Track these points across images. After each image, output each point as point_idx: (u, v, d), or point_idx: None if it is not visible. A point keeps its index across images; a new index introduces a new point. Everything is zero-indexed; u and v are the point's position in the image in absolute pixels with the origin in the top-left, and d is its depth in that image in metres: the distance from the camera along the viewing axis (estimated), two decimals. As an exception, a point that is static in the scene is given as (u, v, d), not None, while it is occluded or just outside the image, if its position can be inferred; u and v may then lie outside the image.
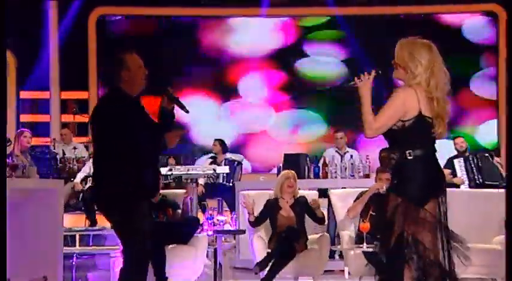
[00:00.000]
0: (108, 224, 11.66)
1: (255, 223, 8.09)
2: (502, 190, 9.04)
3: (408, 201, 4.72)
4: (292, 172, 8.54)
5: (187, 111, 5.40)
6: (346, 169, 10.18)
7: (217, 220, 8.34)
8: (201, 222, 8.52)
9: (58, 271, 7.43)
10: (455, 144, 11.47)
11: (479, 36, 15.58)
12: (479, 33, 15.60)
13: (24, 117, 14.21)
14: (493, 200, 8.66)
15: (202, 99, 15.11)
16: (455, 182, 10.97)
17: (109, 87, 5.47)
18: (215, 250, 8.39)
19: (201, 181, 11.53)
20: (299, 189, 8.49)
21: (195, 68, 15.15)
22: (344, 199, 8.48)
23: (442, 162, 5.99)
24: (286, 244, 7.84)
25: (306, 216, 8.25)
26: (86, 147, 13.14)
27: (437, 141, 4.88)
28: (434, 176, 4.84)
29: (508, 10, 15.06)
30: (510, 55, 3.06)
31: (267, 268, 7.71)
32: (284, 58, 15.50)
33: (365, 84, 4.79)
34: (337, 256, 9.29)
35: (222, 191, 11.56)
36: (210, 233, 8.16)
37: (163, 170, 11.83)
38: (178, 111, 5.53)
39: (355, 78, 4.86)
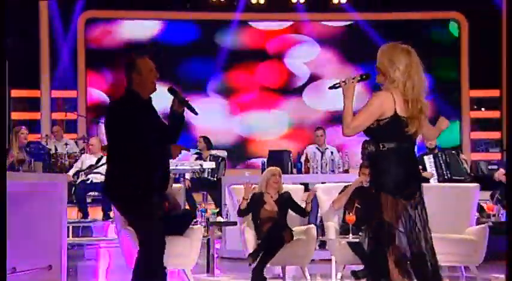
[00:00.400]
0: (99, 217, 11.74)
1: (243, 212, 8.11)
2: (470, 185, 9.24)
3: (385, 192, 4.82)
4: (278, 169, 8.57)
5: (196, 114, 5.41)
6: (326, 164, 10.28)
7: (211, 212, 8.37)
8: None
9: (62, 260, 7.37)
10: (426, 141, 11.59)
11: (443, 41, 15.73)
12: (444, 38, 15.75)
13: (15, 115, 14.07)
14: (462, 194, 8.79)
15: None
16: (425, 175, 11.07)
17: (124, 90, 5.46)
18: (208, 240, 8.43)
19: (187, 176, 11.54)
20: (283, 183, 8.54)
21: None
22: (328, 192, 8.54)
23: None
24: (275, 236, 7.87)
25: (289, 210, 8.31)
26: (76, 143, 13.13)
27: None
28: (408, 168, 4.92)
29: (468, 18, 15.38)
30: (510, 55, 3.06)
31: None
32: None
33: (349, 87, 4.90)
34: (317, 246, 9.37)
35: (206, 186, 11.57)
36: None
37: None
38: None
39: (340, 81, 4.96)
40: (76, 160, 11.72)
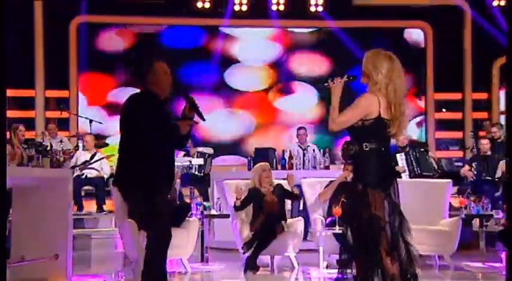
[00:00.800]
0: (93, 209, 11.71)
1: (240, 207, 8.16)
2: (443, 180, 9.38)
3: (368, 187, 4.93)
4: (267, 164, 8.66)
5: (204, 120, 5.43)
6: (309, 161, 10.40)
7: (205, 205, 8.39)
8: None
9: (68, 250, 7.36)
10: (397, 141, 11.71)
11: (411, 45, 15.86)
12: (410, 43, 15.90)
13: (10, 113, 13.93)
14: (436, 189, 8.95)
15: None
16: (398, 169, 11.21)
17: (140, 88, 5.49)
18: (202, 232, 8.46)
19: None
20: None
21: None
22: (313, 186, 8.63)
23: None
24: (269, 228, 7.94)
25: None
26: (69, 140, 13.06)
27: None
28: (386, 166, 5.08)
29: (433, 26, 15.53)
30: (510, 56, 3.09)
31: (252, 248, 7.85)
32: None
33: (337, 86, 5.03)
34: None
35: (194, 181, 11.58)
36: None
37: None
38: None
39: (329, 81, 5.07)
40: (71, 157, 11.63)
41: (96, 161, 11.75)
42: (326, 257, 8.05)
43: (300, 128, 11.76)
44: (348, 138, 5.16)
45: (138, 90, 5.63)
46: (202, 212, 8.24)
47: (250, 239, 7.92)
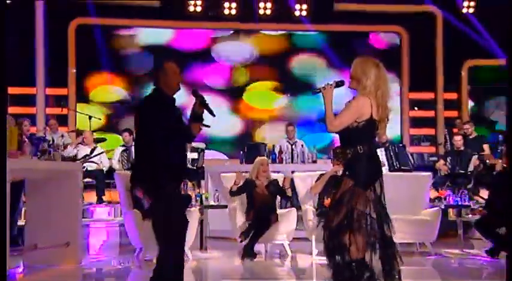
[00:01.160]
0: (93, 200, 11.70)
1: (235, 193, 8.21)
2: (424, 173, 9.50)
3: (358, 185, 5.00)
4: (266, 159, 8.73)
5: (214, 115, 5.40)
6: (298, 156, 10.49)
7: (205, 197, 8.44)
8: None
9: (78, 238, 7.41)
10: (379, 138, 11.82)
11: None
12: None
13: (12, 110, 13.85)
14: (417, 181, 9.06)
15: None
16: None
17: (154, 87, 5.46)
18: (202, 221, 8.51)
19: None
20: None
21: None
22: (305, 180, 8.70)
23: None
24: (263, 218, 8.01)
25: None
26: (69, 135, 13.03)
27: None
28: (376, 165, 5.15)
29: (408, 30, 15.67)
30: (510, 56, 3.20)
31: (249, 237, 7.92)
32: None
33: (328, 91, 5.08)
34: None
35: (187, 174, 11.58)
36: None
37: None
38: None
39: (320, 87, 5.16)
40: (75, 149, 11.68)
41: (96, 155, 11.74)
42: (317, 245, 8.12)
43: (288, 125, 11.83)
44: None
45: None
46: (201, 203, 8.28)
47: (246, 229, 7.99)
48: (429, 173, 9.25)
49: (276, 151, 10.49)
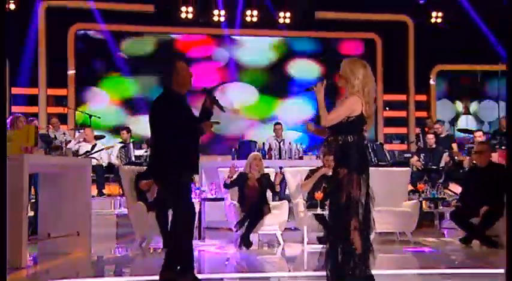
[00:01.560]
0: (94, 193, 11.65)
1: (229, 186, 8.25)
2: (404, 169, 9.63)
3: (352, 171, 5.07)
4: (259, 154, 8.77)
5: (224, 111, 5.47)
6: (285, 152, 10.58)
7: (202, 190, 8.48)
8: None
9: (88, 228, 7.41)
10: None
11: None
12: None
13: (15, 109, 13.78)
14: (396, 176, 9.14)
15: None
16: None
17: (164, 87, 5.46)
18: (200, 213, 8.53)
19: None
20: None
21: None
22: (295, 175, 8.76)
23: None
24: (257, 209, 8.05)
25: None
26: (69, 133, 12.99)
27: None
28: (364, 154, 5.25)
29: (381, 37, 15.83)
30: (510, 56, 3.19)
31: (244, 227, 7.96)
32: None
33: (320, 90, 5.15)
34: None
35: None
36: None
37: (140, 152, 11.88)
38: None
39: (313, 86, 5.23)
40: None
41: (96, 151, 11.72)
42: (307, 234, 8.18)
43: (276, 124, 11.90)
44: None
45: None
46: (200, 196, 8.31)
47: (241, 219, 8.01)
48: (408, 169, 9.39)
49: (266, 148, 10.57)
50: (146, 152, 11.47)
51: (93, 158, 11.78)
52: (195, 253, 7.66)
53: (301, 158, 10.57)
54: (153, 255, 7.62)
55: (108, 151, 11.97)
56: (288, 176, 8.77)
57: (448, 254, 7.89)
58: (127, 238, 9.20)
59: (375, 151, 11.61)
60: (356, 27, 15.56)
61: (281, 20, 15.12)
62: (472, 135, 12.75)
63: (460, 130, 13.79)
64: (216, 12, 14.86)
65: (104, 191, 11.72)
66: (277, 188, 8.42)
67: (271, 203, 8.34)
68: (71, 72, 14.40)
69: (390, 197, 8.53)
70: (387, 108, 16.03)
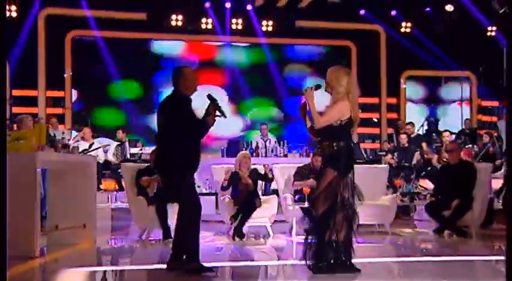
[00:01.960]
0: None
1: (226, 188, 8.30)
2: (382, 166, 9.74)
3: (340, 174, 5.20)
4: (248, 153, 8.80)
5: (225, 117, 5.45)
6: (271, 150, 10.65)
7: (198, 185, 8.49)
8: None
9: (93, 220, 7.41)
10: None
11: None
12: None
13: (17, 110, 13.67)
14: (376, 172, 9.26)
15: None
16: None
17: (173, 88, 5.49)
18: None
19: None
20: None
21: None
22: (283, 171, 8.83)
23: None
24: (249, 203, 8.10)
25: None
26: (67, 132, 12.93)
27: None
28: (352, 157, 5.38)
29: (356, 45, 15.97)
30: (510, 56, 3.26)
31: (237, 220, 8.00)
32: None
33: (309, 95, 5.25)
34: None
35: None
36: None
37: (135, 150, 11.86)
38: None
39: (303, 90, 5.31)
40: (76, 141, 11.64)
41: (94, 149, 11.67)
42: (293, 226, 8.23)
43: (262, 124, 11.95)
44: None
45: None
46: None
47: (235, 213, 8.06)
48: (386, 166, 9.50)
49: (253, 146, 10.63)
50: (141, 150, 11.47)
51: (91, 155, 11.77)
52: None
53: (285, 156, 10.66)
54: (153, 246, 7.63)
55: (104, 149, 11.94)
56: (276, 172, 8.83)
57: (422, 244, 8.03)
58: (123, 230, 9.22)
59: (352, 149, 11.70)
60: (333, 35, 15.67)
61: (264, 28, 15.17)
62: (439, 135, 12.95)
63: (428, 131, 13.97)
64: (204, 20, 14.87)
65: (101, 186, 11.67)
66: (270, 175, 8.47)
67: (262, 198, 8.39)
68: (68, 75, 14.28)
69: (370, 192, 8.56)
70: (360, 110, 16.10)
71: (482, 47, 15.40)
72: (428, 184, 11.45)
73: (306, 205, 7.76)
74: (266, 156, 10.68)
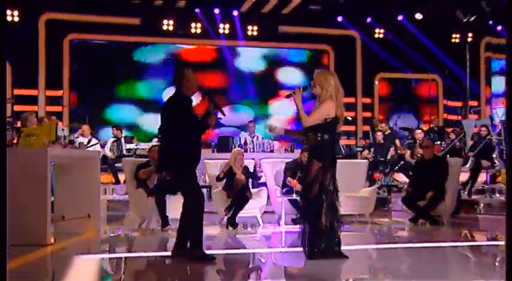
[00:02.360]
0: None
1: (221, 179, 8.33)
2: (362, 161, 9.83)
3: (324, 166, 5.28)
4: (241, 150, 8.84)
5: (224, 115, 5.45)
6: (259, 146, 10.69)
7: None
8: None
9: (97, 211, 7.40)
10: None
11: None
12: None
13: (18, 108, 13.53)
14: (357, 167, 9.37)
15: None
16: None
17: (175, 89, 5.50)
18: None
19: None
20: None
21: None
22: (273, 166, 8.89)
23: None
24: (242, 196, 8.15)
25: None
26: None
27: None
28: (335, 150, 5.53)
29: (334, 49, 16.07)
30: (510, 57, 3.29)
31: (231, 211, 8.06)
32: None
33: (297, 96, 5.32)
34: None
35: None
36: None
37: (131, 146, 11.83)
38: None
39: (292, 92, 5.37)
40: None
41: (92, 145, 11.62)
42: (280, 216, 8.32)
43: (250, 122, 12.00)
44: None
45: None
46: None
47: (229, 205, 8.10)
48: (366, 161, 9.61)
49: (242, 142, 10.67)
50: (136, 146, 11.44)
51: (88, 151, 11.71)
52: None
53: (272, 151, 10.71)
54: (152, 234, 7.65)
55: (102, 144, 11.89)
56: (265, 166, 8.89)
57: (399, 231, 8.17)
58: (119, 221, 9.22)
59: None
60: (312, 39, 15.75)
61: (249, 33, 15.22)
62: (410, 133, 13.11)
63: (401, 128, 14.16)
64: (193, 25, 14.87)
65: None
66: (259, 174, 8.54)
67: (253, 190, 8.45)
68: (66, 75, 14.19)
69: (351, 184, 8.73)
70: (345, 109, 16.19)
71: (447, 52, 15.74)
72: (402, 177, 11.62)
73: (294, 196, 7.88)
74: (254, 151, 10.73)
